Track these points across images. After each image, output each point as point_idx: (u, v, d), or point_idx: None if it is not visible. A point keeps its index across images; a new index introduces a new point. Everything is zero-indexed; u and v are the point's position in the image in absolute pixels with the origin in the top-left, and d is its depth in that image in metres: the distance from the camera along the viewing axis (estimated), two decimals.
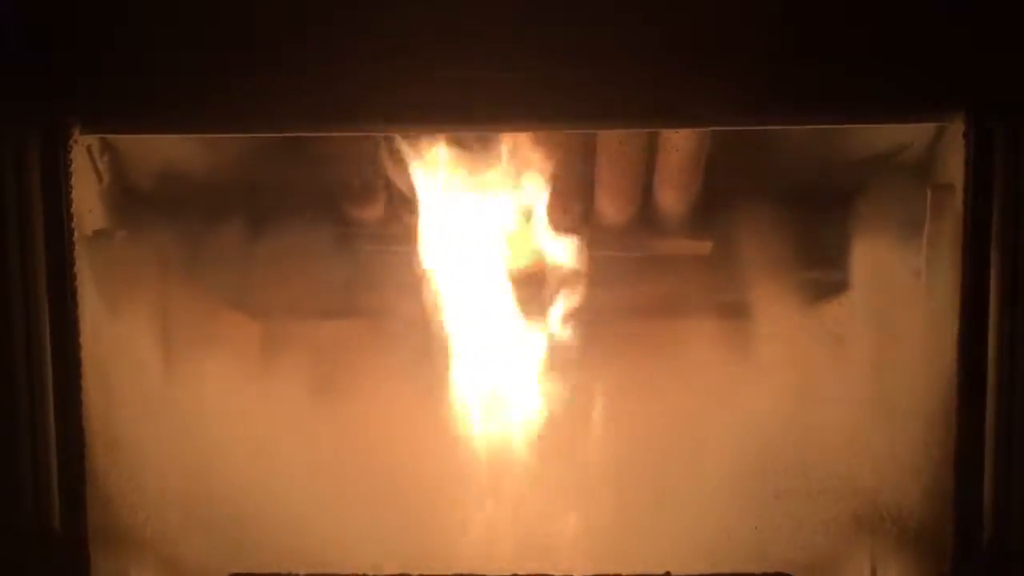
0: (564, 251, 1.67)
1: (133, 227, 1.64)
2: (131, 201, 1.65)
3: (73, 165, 1.50)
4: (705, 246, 1.69)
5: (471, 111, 1.47)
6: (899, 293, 1.58)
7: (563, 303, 1.68)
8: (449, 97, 1.45)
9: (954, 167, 1.47)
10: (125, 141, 1.62)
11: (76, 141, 1.51)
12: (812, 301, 1.67)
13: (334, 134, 1.60)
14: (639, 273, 1.66)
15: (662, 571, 1.50)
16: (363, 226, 1.71)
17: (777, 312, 1.67)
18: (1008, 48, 1.42)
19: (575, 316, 1.67)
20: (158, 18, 1.45)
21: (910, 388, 1.54)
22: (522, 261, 1.68)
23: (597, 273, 1.67)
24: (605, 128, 1.60)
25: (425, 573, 1.54)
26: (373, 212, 1.71)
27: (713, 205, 1.66)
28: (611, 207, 1.67)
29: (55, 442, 1.49)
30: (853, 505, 1.62)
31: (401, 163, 1.66)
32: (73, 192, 1.50)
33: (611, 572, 1.51)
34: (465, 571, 1.57)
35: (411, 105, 1.46)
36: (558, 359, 1.68)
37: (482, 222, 1.68)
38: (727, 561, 1.53)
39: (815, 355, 1.65)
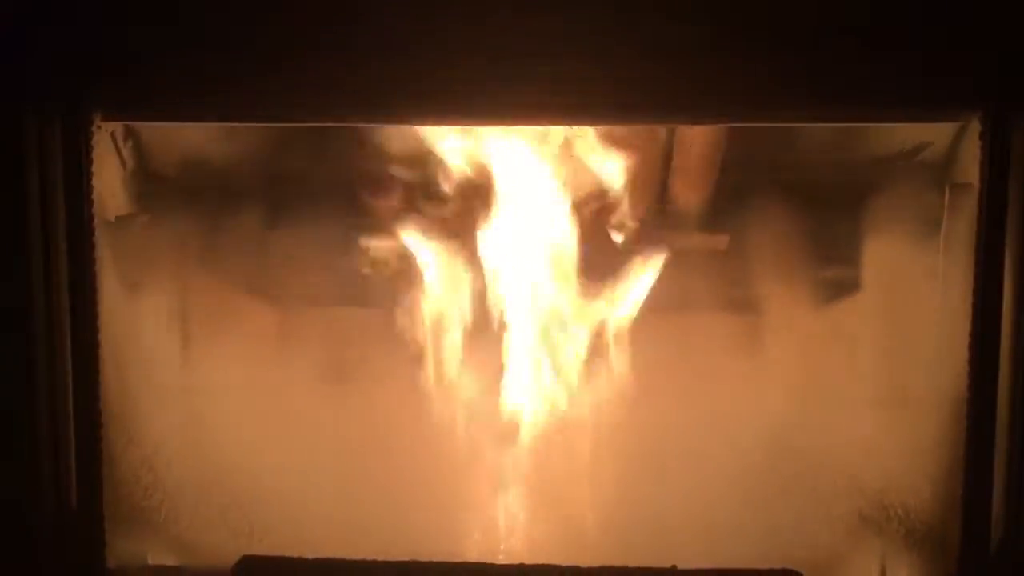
0: (575, 247, 1.67)
1: (155, 213, 1.67)
2: (153, 187, 1.67)
3: (96, 151, 1.52)
4: (720, 241, 1.69)
5: (494, 105, 1.48)
6: (914, 292, 1.58)
7: (572, 297, 1.68)
8: (473, 90, 1.46)
9: (973, 166, 1.46)
10: (148, 128, 1.64)
11: (99, 127, 1.53)
12: (827, 299, 1.67)
13: (355, 125, 1.62)
14: (647, 266, 1.66)
15: (668, 565, 1.50)
16: (380, 216, 1.72)
17: (790, 309, 1.66)
18: None
19: (584, 310, 1.68)
20: (182, 6, 1.47)
21: (922, 388, 1.54)
22: (536, 254, 1.68)
23: (608, 267, 1.68)
24: (623, 123, 1.61)
25: (433, 560, 1.54)
26: (390, 203, 1.72)
27: (730, 201, 1.66)
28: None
29: (73, 424, 1.52)
30: (860, 504, 1.61)
31: (419, 154, 1.68)
32: (95, 177, 1.52)
33: (617, 564, 1.51)
34: (473, 560, 1.59)
35: (435, 97, 1.47)
36: (568, 352, 1.68)
37: (499, 214, 1.68)
38: (733, 557, 1.52)
39: (827, 353, 1.65)
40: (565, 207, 1.67)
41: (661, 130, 1.64)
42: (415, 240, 1.69)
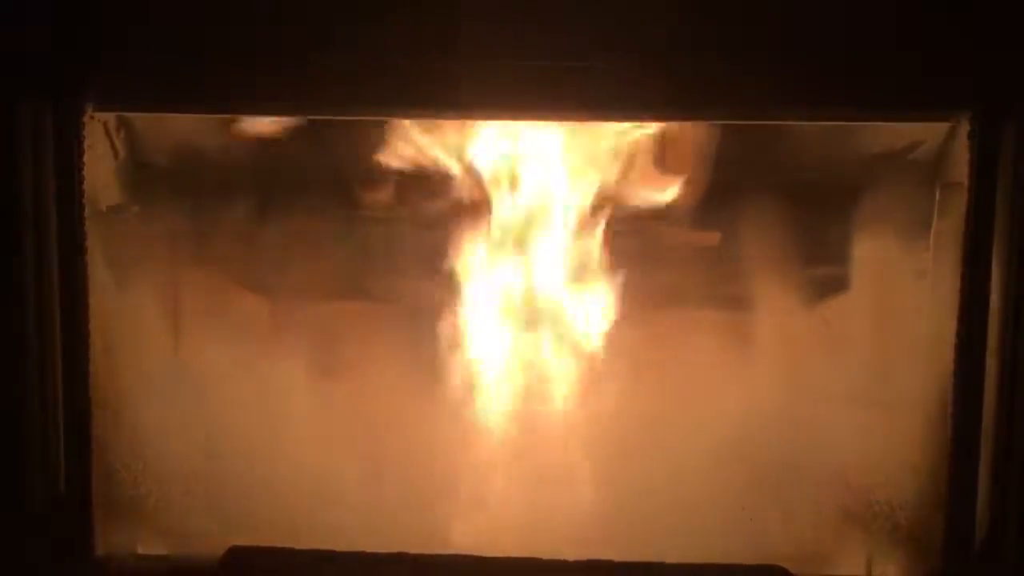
0: (571, 239, 1.68)
1: (147, 203, 1.67)
2: (146, 177, 1.68)
3: (89, 141, 1.52)
4: (710, 238, 1.69)
5: (489, 99, 1.49)
6: (903, 292, 1.58)
7: (563, 291, 1.69)
8: (468, 85, 1.47)
9: (964, 166, 1.47)
10: (141, 118, 1.64)
11: (91, 117, 1.53)
12: (815, 297, 1.66)
13: (349, 118, 1.62)
14: (638, 263, 1.67)
15: (653, 560, 1.51)
16: (373, 208, 1.73)
17: (779, 306, 1.66)
18: (1016, 48, 1.41)
19: (574, 304, 1.68)
20: None
21: (909, 387, 1.54)
22: (530, 247, 1.69)
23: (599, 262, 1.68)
24: (617, 121, 1.61)
25: (423, 552, 1.55)
26: (383, 195, 1.72)
27: (720, 199, 1.66)
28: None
29: (62, 413, 1.53)
30: (846, 501, 1.61)
31: (412, 147, 1.68)
32: (87, 168, 1.52)
33: (602, 558, 1.52)
34: (462, 552, 1.59)
35: (426, 90, 1.48)
36: (557, 346, 1.69)
37: (493, 208, 1.69)
38: (719, 552, 1.53)
39: (815, 350, 1.65)
40: (558, 202, 1.67)
41: (655, 127, 1.64)
42: (409, 233, 1.70)
